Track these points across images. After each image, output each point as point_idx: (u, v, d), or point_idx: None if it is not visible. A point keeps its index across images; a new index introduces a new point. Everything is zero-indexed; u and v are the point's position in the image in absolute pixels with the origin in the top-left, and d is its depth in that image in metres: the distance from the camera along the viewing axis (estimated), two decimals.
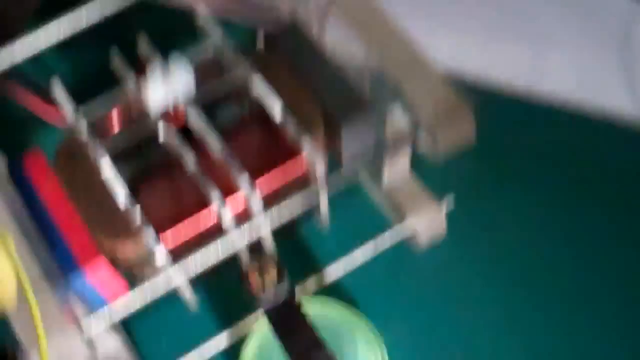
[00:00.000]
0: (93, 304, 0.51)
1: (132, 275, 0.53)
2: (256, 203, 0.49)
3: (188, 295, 0.54)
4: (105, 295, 0.52)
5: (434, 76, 0.50)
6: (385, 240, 0.61)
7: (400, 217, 0.63)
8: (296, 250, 0.64)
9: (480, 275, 0.63)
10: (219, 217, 0.50)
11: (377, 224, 0.64)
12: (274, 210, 0.49)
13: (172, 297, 0.52)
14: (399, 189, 0.63)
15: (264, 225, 0.50)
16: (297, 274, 0.56)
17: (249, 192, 0.49)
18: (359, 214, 0.65)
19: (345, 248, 0.63)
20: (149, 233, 0.48)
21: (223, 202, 0.49)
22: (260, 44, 0.59)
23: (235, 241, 0.49)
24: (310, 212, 0.58)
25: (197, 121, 0.51)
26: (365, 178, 0.67)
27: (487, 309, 0.62)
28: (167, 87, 0.49)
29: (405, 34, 0.52)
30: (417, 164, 0.62)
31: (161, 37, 0.54)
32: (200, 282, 0.57)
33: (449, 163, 0.53)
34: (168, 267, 0.48)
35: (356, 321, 0.60)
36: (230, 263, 0.56)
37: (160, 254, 0.48)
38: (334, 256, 0.62)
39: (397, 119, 0.53)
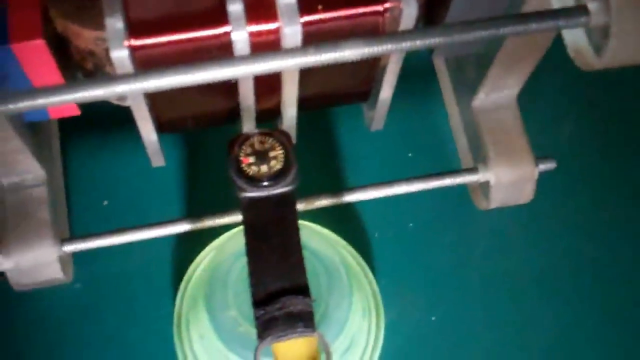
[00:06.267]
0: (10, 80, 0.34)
1: (84, 70, 0.36)
2: (294, 44, 0.31)
3: (151, 140, 0.37)
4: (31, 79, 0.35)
5: None
6: (440, 181, 0.43)
7: (478, 157, 0.44)
8: (319, 153, 0.46)
9: (540, 271, 0.45)
10: (228, 42, 0.31)
11: (436, 156, 0.46)
12: (315, 47, 0.30)
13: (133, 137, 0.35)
14: (491, 119, 0.44)
15: (287, 67, 0.30)
16: (306, 181, 0.37)
17: (289, 25, 0.30)
18: (417, 140, 0.46)
19: (382, 172, 0.44)
20: (115, 25, 0.30)
21: (244, 24, 0.30)
22: None
23: (242, 67, 0.30)
24: (362, 99, 0.40)
25: None
26: (448, 83, 0.48)
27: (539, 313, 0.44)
28: None
29: None
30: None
31: None
32: (173, 129, 0.39)
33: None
34: (128, 72, 0.31)
35: (356, 269, 0.42)
36: (224, 118, 0.38)
37: (122, 58, 0.30)
38: (365, 178, 0.44)
39: None
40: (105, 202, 0.45)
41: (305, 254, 0.34)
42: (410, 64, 0.38)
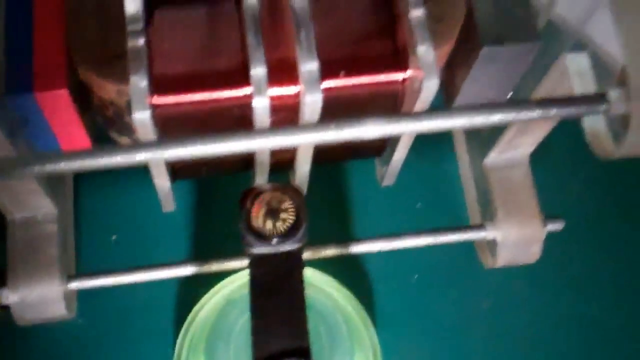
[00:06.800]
0: (35, 133, 0.34)
1: (103, 116, 0.36)
2: (313, 111, 0.31)
3: (164, 188, 0.37)
4: (56, 132, 0.35)
5: None
6: (448, 236, 0.43)
7: (487, 214, 0.44)
8: (329, 200, 0.46)
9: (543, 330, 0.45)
10: (249, 103, 0.32)
11: (445, 208, 0.46)
12: (337, 124, 0.30)
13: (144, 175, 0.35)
14: (502, 177, 0.44)
15: (307, 143, 0.31)
16: (315, 230, 0.37)
17: (310, 90, 0.31)
18: (426, 192, 0.46)
19: (390, 221, 0.45)
20: (139, 83, 0.30)
21: (265, 89, 0.31)
22: None
23: (262, 140, 0.30)
24: (375, 153, 0.40)
25: None
26: (461, 138, 0.48)
27: None
28: None
29: None
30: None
31: None
32: (186, 176, 0.40)
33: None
34: (149, 141, 0.31)
35: (358, 323, 0.42)
36: (237, 168, 0.38)
37: (143, 120, 0.30)
38: (373, 225, 0.44)
39: (568, 74, 0.33)
40: (114, 237, 0.45)
41: (309, 313, 0.34)
42: None
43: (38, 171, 0.27)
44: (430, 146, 0.49)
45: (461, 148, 0.48)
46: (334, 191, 0.47)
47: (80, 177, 0.46)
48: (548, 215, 0.44)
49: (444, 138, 0.48)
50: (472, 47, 0.35)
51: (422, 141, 0.44)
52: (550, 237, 0.44)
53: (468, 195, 0.47)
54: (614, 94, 0.29)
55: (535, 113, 0.29)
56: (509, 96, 0.38)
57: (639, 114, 0.29)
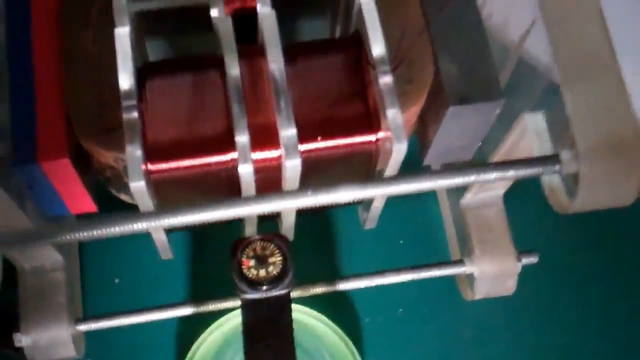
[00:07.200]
0: (43, 197, 0.38)
1: (103, 176, 0.39)
2: (293, 173, 0.34)
3: (161, 241, 0.40)
4: (61, 195, 0.38)
5: (618, 103, 0.32)
6: (430, 272, 0.46)
7: (465, 250, 0.47)
8: (316, 240, 0.50)
9: None
10: (235, 166, 0.35)
11: (426, 244, 0.49)
12: (313, 190, 0.33)
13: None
14: (477, 216, 0.47)
15: (288, 209, 0.34)
16: (304, 269, 0.40)
17: (289, 155, 0.34)
18: (408, 229, 0.49)
19: (374, 257, 0.48)
20: (134, 152, 0.33)
21: (249, 155, 0.34)
22: None
23: (246, 208, 0.33)
24: (356, 202, 0.43)
25: (267, 20, 0.35)
26: None
27: None
28: None
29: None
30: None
31: None
32: (181, 229, 0.43)
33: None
34: (147, 211, 0.34)
35: (346, 356, 0.45)
36: (229, 220, 0.41)
37: (139, 187, 0.33)
38: (359, 262, 0.47)
39: (528, 131, 0.36)
40: (117, 280, 0.48)
41: (298, 352, 0.37)
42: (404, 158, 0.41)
43: (49, 241, 0.30)
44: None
45: (440, 190, 0.51)
46: (321, 232, 0.50)
47: None
48: (523, 249, 0.47)
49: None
50: (441, 106, 0.38)
51: None
52: (527, 270, 0.47)
53: (448, 232, 0.50)
54: (565, 155, 0.32)
55: (494, 175, 0.32)
56: (476, 146, 0.41)
57: (587, 174, 0.32)
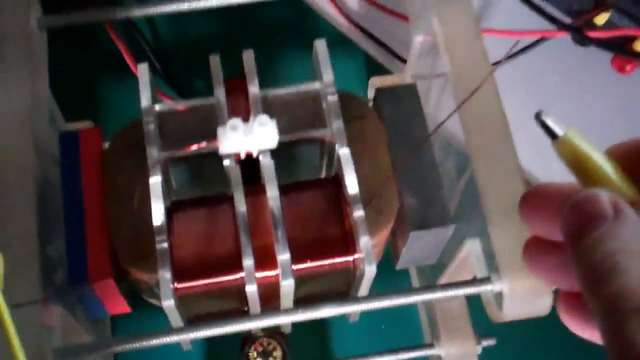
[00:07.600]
0: (88, 305, 0.48)
1: (137, 287, 0.49)
2: (288, 289, 0.44)
3: (185, 341, 0.50)
4: (103, 303, 0.48)
5: None
6: (406, 354, 0.55)
7: (434, 335, 0.57)
8: (310, 330, 0.59)
9: None
10: (242, 284, 0.44)
11: (405, 330, 0.59)
12: (303, 309, 0.43)
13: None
14: (442, 307, 0.57)
15: (287, 318, 0.44)
16: (303, 351, 0.50)
17: (285, 275, 0.43)
18: (389, 315, 0.59)
19: (359, 341, 0.57)
20: (165, 275, 0.43)
21: (254, 277, 0.44)
22: (370, 93, 0.53)
23: (254, 323, 0.43)
24: (343, 296, 0.53)
25: (267, 168, 0.45)
26: (415, 274, 0.61)
27: None
28: (245, 139, 0.43)
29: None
30: None
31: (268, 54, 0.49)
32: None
33: None
34: (177, 327, 0.44)
35: None
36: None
37: (170, 305, 0.43)
38: (346, 345, 0.57)
39: (471, 255, 0.46)
40: None
41: None
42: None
43: (105, 352, 0.40)
44: (392, 276, 0.61)
45: (415, 281, 0.61)
46: (314, 323, 0.60)
47: (116, 318, 0.59)
48: (483, 333, 0.56)
49: (402, 272, 0.61)
50: (405, 230, 0.48)
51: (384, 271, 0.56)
52: (487, 352, 0.56)
53: (421, 317, 0.60)
54: (494, 277, 0.42)
55: (441, 294, 0.42)
56: (437, 256, 0.51)
57: (509, 293, 0.41)
